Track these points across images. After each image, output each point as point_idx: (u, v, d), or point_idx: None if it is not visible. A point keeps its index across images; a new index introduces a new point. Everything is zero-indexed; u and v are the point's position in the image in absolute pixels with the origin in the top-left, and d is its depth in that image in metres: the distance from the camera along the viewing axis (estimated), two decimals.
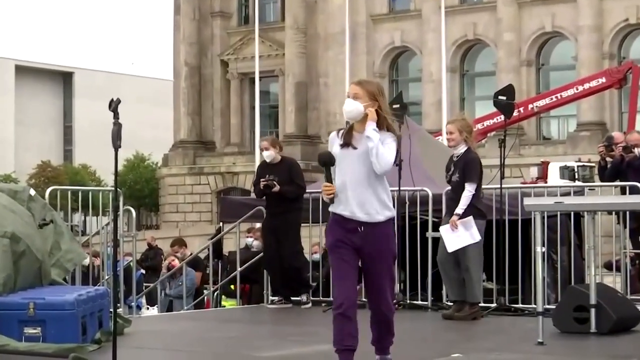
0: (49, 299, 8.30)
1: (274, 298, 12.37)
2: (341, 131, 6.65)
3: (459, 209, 10.48)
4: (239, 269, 13.42)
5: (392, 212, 6.63)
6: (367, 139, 6.48)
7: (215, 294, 14.88)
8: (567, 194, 11.42)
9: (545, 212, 9.51)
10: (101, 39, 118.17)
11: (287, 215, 11.86)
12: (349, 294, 6.49)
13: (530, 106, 36.00)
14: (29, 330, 8.16)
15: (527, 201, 9.15)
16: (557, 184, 22.16)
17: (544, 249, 8.92)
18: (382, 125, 6.56)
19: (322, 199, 6.68)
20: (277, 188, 11.72)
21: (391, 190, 11.20)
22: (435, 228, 11.78)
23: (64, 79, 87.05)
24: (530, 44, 43.94)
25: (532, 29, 43.84)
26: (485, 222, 10.78)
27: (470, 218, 10.50)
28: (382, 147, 6.46)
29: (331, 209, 6.60)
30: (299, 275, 12.09)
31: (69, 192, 11.62)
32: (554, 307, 10.07)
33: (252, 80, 43.35)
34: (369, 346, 6.82)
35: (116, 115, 6.61)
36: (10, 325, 8.14)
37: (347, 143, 6.57)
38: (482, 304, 11.46)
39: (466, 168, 10.54)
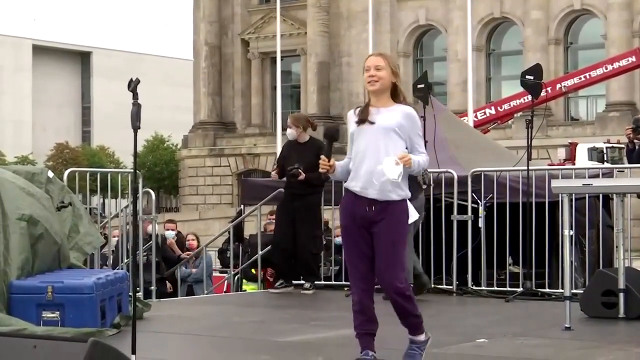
0: (68, 282, 8.22)
1: (278, 283, 12.00)
2: (358, 109, 6.54)
3: None
4: (260, 252, 13.30)
5: (406, 193, 6.48)
6: (406, 169, 6.35)
7: (236, 277, 14.77)
8: (596, 175, 11.29)
9: (573, 195, 9.34)
10: (119, 18, 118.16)
11: (308, 197, 11.70)
12: (364, 286, 6.43)
13: (558, 86, 35.68)
14: (47, 314, 8.10)
15: (555, 183, 9.03)
16: (586, 165, 21.93)
17: (571, 232, 8.75)
18: (399, 98, 6.50)
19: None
20: (302, 176, 11.53)
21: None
22: (461, 211, 11.66)
23: (82, 58, 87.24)
24: (559, 22, 43.57)
25: (561, 7, 43.46)
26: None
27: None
28: (417, 157, 6.39)
29: (345, 184, 6.51)
30: (311, 262, 11.84)
31: (88, 174, 11.53)
32: (582, 291, 9.93)
33: (274, 60, 43.22)
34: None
35: (135, 96, 6.48)
36: (29, 309, 8.09)
37: (362, 119, 6.46)
38: (508, 288, 11.38)
39: None
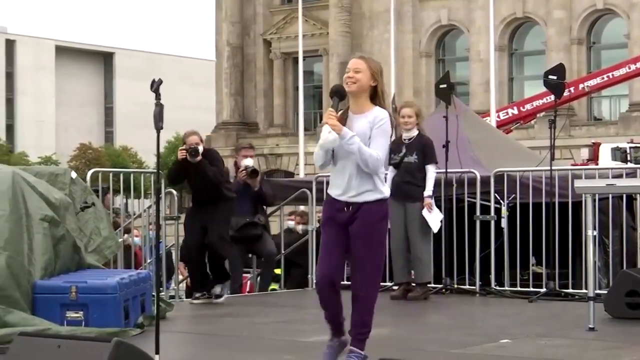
0: (91, 282, 8.24)
1: (197, 294, 11.28)
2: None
3: (429, 191, 10.91)
4: (282, 252, 13.31)
5: (381, 195, 6.52)
6: (347, 147, 6.40)
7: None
8: (619, 175, 11.25)
9: (597, 195, 9.30)
10: (142, 19, 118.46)
11: (217, 203, 11.12)
12: (325, 270, 6.53)
13: (581, 86, 35.46)
14: (71, 314, 8.12)
15: (578, 183, 8.99)
16: (609, 165, 21.79)
17: (595, 233, 8.71)
18: (377, 101, 6.62)
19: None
20: (199, 158, 10.86)
21: (438, 172, 11.25)
22: (484, 211, 11.63)
23: (105, 59, 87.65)
24: (581, 22, 43.33)
25: (583, 6, 43.22)
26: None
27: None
28: (364, 148, 6.38)
29: (328, 190, 6.62)
30: (220, 265, 11.34)
31: (111, 174, 11.54)
32: (606, 292, 9.87)
33: (296, 60, 43.13)
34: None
35: (158, 96, 6.50)
36: (52, 309, 8.11)
37: None
38: (531, 289, 11.35)
39: (426, 150, 10.95)
